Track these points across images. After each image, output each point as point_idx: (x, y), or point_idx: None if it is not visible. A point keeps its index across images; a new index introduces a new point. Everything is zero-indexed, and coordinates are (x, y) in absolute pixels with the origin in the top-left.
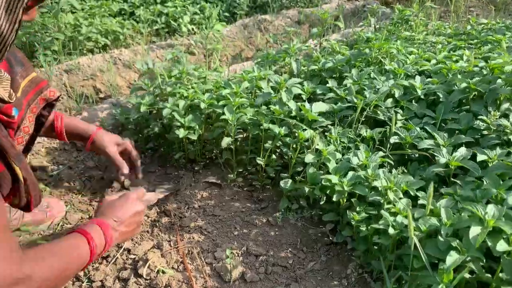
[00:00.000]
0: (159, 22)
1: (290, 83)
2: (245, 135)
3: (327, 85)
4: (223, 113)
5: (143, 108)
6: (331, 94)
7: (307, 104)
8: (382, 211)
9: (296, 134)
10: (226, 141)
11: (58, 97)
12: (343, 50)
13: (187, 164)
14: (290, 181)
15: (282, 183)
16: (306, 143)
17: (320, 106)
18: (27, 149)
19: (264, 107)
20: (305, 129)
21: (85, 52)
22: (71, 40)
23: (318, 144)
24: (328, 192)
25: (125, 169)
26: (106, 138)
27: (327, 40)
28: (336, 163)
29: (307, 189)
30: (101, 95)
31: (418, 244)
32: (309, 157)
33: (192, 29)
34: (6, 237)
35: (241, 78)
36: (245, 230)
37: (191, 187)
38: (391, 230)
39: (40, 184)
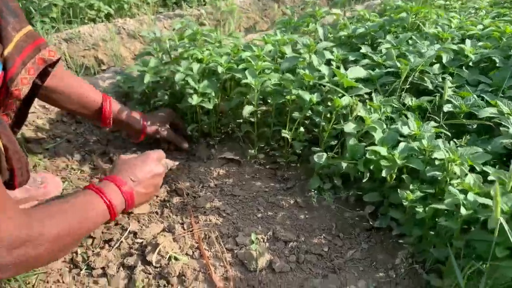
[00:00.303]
0: None
1: (322, 45)
2: (264, 109)
3: (361, 51)
4: (244, 78)
5: (148, 77)
6: (366, 61)
7: (341, 69)
8: (450, 187)
9: (330, 102)
10: (247, 110)
11: (59, 59)
12: (373, 17)
13: (201, 138)
14: (324, 155)
15: (315, 158)
16: (344, 112)
17: (357, 71)
18: (18, 122)
19: (288, 74)
20: (342, 95)
21: (86, 21)
22: (70, 6)
23: (359, 112)
24: (372, 167)
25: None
26: (156, 126)
27: (352, 9)
28: (382, 133)
29: (344, 165)
30: (104, 67)
31: (506, 227)
32: (349, 126)
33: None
34: (7, 198)
35: (262, 42)
36: (270, 213)
37: (205, 163)
38: (463, 211)
39: (34, 157)
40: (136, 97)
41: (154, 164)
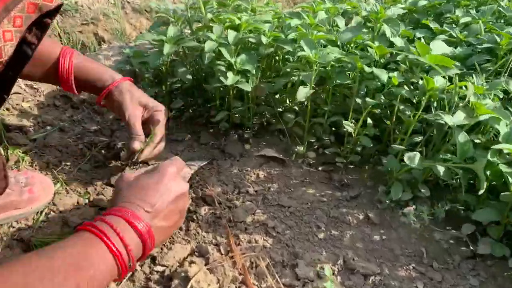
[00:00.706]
0: None
1: (393, 12)
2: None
3: (431, 26)
4: (297, 50)
5: (169, 47)
6: (442, 37)
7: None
8: None
9: (420, 83)
10: (303, 93)
11: (60, 6)
12: None
13: (230, 130)
14: (418, 155)
15: (407, 159)
16: (441, 96)
17: (440, 47)
18: None
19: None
20: (433, 74)
21: None
22: None
23: (471, 96)
24: (489, 173)
25: (138, 142)
26: (129, 94)
27: None
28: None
29: (442, 169)
30: (104, 46)
31: None
32: (458, 117)
33: None
34: None
35: (309, 10)
36: (335, 231)
37: (239, 162)
38: None
39: (17, 150)
40: (148, 77)
41: (174, 181)
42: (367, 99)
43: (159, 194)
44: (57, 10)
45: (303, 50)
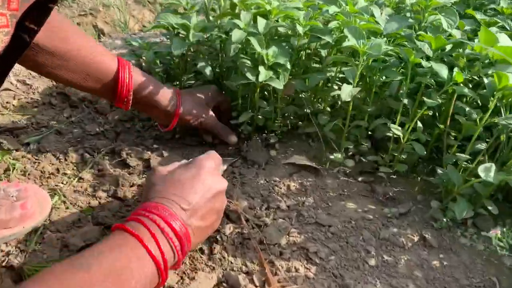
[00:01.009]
0: None
1: (444, 0)
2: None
3: (479, 17)
4: (338, 40)
5: (193, 34)
6: (493, 29)
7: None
8: None
9: (486, 80)
10: (347, 91)
11: None
12: None
13: (253, 134)
14: (493, 167)
15: (482, 172)
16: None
17: (505, 40)
18: None
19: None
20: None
21: None
22: None
23: None
24: None
25: (234, 136)
26: (196, 109)
27: None
28: None
29: None
30: (104, 39)
31: None
32: None
33: None
34: None
35: None
36: (387, 257)
37: (265, 171)
38: None
39: (6, 156)
40: (159, 73)
41: (212, 176)
42: (426, 99)
43: (197, 190)
44: None
45: (345, 40)
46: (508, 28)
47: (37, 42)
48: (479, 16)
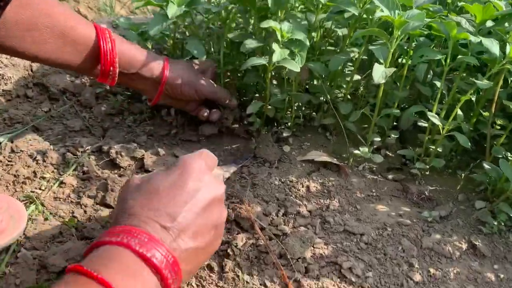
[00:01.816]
0: None
1: None
2: None
3: None
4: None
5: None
6: None
7: None
8: None
9: None
10: (379, 72)
11: None
12: None
13: (262, 128)
14: None
15: None
16: None
17: None
18: None
19: None
20: None
21: None
22: None
23: None
24: None
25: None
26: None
27: None
28: None
29: None
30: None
31: None
32: None
33: None
34: None
35: None
36: (433, 270)
37: (279, 170)
38: None
39: None
40: None
41: (202, 181)
42: (478, 81)
43: (182, 201)
44: None
45: (374, 12)
46: None
47: (15, 19)
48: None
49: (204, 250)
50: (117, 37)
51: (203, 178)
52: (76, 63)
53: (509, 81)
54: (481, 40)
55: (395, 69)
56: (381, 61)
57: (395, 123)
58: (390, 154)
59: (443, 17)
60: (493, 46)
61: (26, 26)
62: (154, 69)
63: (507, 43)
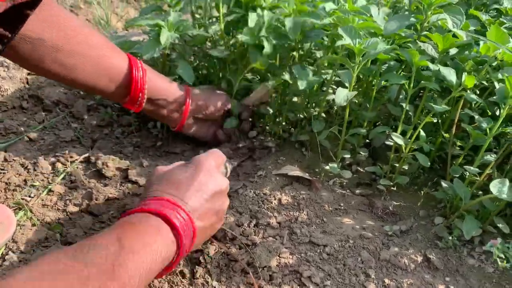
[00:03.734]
0: None
1: None
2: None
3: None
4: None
5: (167, 34)
6: None
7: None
8: None
9: (499, 85)
10: (342, 96)
11: None
12: None
13: (240, 141)
14: (507, 183)
15: (494, 187)
16: None
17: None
18: None
19: None
20: None
21: None
22: None
23: None
24: None
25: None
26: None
27: None
28: None
29: None
30: None
31: None
32: None
33: None
34: None
35: None
36: (388, 281)
37: (254, 184)
38: None
39: None
40: None
41: (211, 176)
42: (433, 105)
43: (194, 190)
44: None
45: (341, 38)
46: None
47: (41, 38)
48: (484, 16)
49: (207, 229)
50: (147, 67)
51: (211, 173)
52: (108, 90)
53: (473, 105)
54: (439, 68)
55: (356, 92)
56: (346, 84)
57: (368, 141)
58: (361, 170)
59: (413, 42)
60: (450, 74)
61: (67, 53)
62: (177, 98)
63: (464, 72)
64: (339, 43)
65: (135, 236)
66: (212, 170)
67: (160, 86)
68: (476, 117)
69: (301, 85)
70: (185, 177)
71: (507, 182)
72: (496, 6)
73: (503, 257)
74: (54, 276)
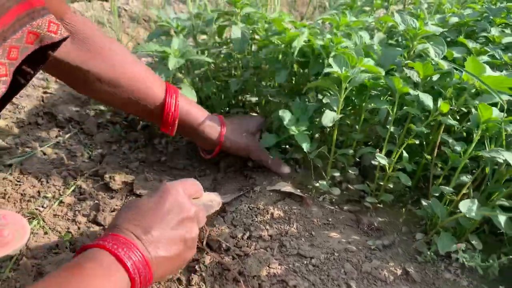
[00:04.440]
0: None
1: (433, 29)
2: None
3: (470, 45)
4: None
5: (174, 60)
6: (484, 59)
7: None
8: None
9: (475, 111)
10: (329, 118)
11: (65, 38)
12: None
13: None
14: (476, 203)
15: (463, 208)
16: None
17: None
18: None
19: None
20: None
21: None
22: None
23: None
24: None
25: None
26: (240, 138)
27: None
28: None
29: (503, 219)
30: None
31: None
32: None
33: None
34: None
35: (331, 23)
36: None
37: (250, 199)
38: None
39: None
40: None
41: (175, 203)
42: (413, 127)
43: (157, 220)
44: (61, 42)
45: (330, 66)
46: (498, 57)
47: (86, 68)
48: (471, 44)
49: (174, 259)
50: (183, 96)
51: (177, 201)
52: (143, 114)
53: (455, 129)
54: (418, 94)
55: (342, 115)
56: (334, 108)
57: (358, 159)
58: (351, 187)
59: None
60: (427, 100)
61: (108, 83)
62: (212, 132)
63: (440, 98)
64: (326, 70)
65: (81, 281)
66: (179, 197)
67: (195, 118)
68: (450, 141)
69: (305, 148)
70: (149, 207)
71: (476, 202)
72: (484, 34)
73: (467, 257)
74: None
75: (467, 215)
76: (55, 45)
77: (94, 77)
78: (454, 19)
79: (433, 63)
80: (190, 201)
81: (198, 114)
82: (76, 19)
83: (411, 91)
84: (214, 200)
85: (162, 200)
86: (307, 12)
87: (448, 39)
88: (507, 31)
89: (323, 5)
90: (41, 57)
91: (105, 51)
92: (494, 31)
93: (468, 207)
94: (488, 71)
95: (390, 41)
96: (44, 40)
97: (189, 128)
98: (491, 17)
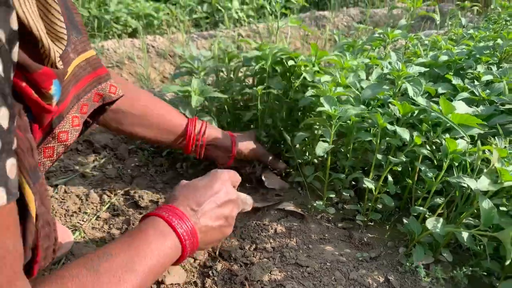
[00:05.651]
0: (200, 11)
1: (414, 70)
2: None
3: (454, 82)
4: (317, 105)
5: (196, 98)
6: (464, 95)
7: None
8: None
9: (443, 142)
10: (322, 148)
11: (121, 97)
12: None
13: (244, 182)
14: (441, 221)
15: (430, 225)
16: (465, 160)
17: (461, 107)
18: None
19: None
20: (458, 137)
21: (110, 37)
22: (95, 18)
23: (496, 162)
24: None
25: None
26: (247, 144)
27: (418, 37)
28: None
29: (465, 235)
30: None
31: None
32: (483, 182)
33: (240, 19)
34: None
35: (333, 63)
36: None
37: (257, 216)
38: None
39: None
40: None
41: (223, 186)
42: (390, 157)
43: (207, 195)
44: (117, 99)
45: (321, 105)
46: (477, 94)
47: (125, 122)
48: (455, 81)
49: (216, 231)
50: (200, 121)
51: (224, 185)
52: (169, 144)
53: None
54: (395, 129)
55: (333, 146)
56: (327, 139)
57: (354, 182)
58: (346, 207)
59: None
60: (404, 133)
61: (140, 126)
62: (228, 145)
63: (417, 131)
64: (319, 109)
65: (144, 242)
66: (226, 182)
67: (213, 137)
68: (423, 168)
69: (296, 140)
70: (202, 185)
71: (441, 220)
72: (470, 71)
73: (425, 273)
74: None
75: (432, 231)
76: (113, 102)
77: (130, 124)
78: (444, 58)
79: (414, 100)
80: (233, 188)
81: (211, 130)
82: (119, 80)
83: (389, 126)
84: (248, 199)
85: (212, 183)
86: (319, 44)
87: (438, 75)
88: (494, 68)
89: (333, 38)
90: (100, 111)
91: (141, 103)
92: (480, 68)
93: (433, 224)
94: (463, 107)
95: (388, 76)
96: (105, 99)
97: (210, 147)
98: (477, 55)
